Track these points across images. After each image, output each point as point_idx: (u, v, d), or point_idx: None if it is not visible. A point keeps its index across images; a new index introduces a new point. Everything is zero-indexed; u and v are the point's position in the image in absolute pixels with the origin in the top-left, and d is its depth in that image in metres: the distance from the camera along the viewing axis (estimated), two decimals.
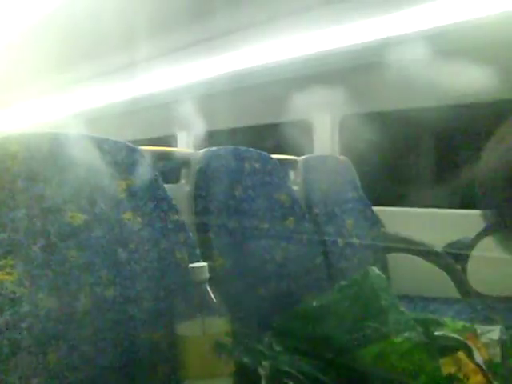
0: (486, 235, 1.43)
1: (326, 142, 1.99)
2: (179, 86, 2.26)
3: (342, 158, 1.86)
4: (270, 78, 1.94)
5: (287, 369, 0.71)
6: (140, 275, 0.80)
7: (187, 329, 0.70)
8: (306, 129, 2.01)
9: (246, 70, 1.97)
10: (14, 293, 0.64)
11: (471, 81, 1.26)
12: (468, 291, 1.49)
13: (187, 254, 0.89)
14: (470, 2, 1.38)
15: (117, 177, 0.84)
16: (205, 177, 1.10)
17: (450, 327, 0.80)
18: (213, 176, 1.12)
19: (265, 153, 1.31)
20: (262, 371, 0.71)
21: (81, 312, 0.71)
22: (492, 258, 1.35)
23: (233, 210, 1.13)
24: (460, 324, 0.82)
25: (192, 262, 0.75)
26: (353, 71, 1.74)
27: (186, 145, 2.61)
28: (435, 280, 1.55)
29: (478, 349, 0.74)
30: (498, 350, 0.80)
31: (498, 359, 0.78)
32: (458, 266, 1.52)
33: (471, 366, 0.69)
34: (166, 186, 0.93)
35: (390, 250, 1.69)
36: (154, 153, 1.02)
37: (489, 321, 1.14)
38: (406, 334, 0.70)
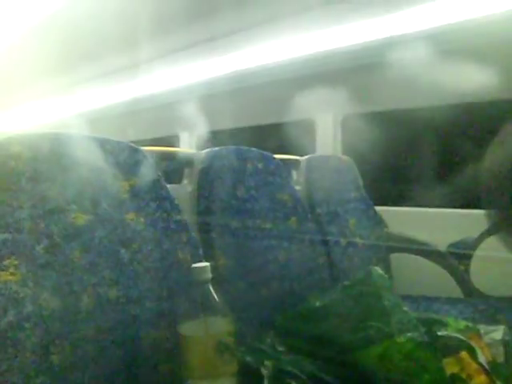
0: (489, 235, 1.43)
1: (328, 141, 1.99)
2: (181, 86, 2.27)
3: (344, 157, 1.86)
4: (272, 78, 1.95)
5: (290, 368, 0.71)
6: (143, 275, 0.81)
7: (190, 329, 0.70)
8: (309, 129, 2.01)
9: (248, 70, 1.97)
10: (17, 293, 0.64)
11: (473, 80, 1.26)
12: (471, 291, 1.49)
13: (190, 254, 0.89)
14: (470, 0, 1.38)
15: (120, 177, 0.84)
16: (207, 177, 1.10)
17: (452, 327, 0.80)
18: (215, 176, 1.12)
19: (267, 153, 1.31)
20: (264, 371, 0.71)
21: (84, 312, 0.71)
22: (495, 258, 1.35)
23: (235, 210, 1.13)
24: (463, 324, 0.82)
25: (195, 262, 0.75)
26: (354, 71, 1.74)
27: (188, 145, 2.62)
28: (438, 280, 1.55)
29: (481, 349, 0.74)
30: (501, 350, 0.80)
31: (501, 359, 0.78)
32: (461, 266, 1.52)
33: (474, 365, 0.69)
34: (168, 186, 0.93)
35: (392, 249, 1.69)
36: (156, 153, 1.02)
37: (492, 321, 1.14)
38: (409, 334, 0.70)
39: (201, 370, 0.68)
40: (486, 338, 0.82)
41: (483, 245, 1.46)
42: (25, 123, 3.40)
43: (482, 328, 0.84)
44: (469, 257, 1.51)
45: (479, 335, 0.81)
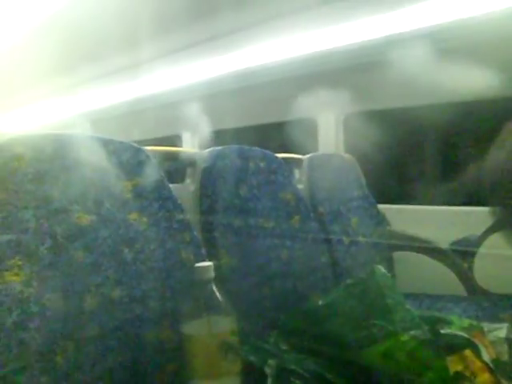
0: (493, 232, 1.43)
1: (330, 140, 1.99)
2: (183, 85, 2.27)
3: (346, 156, 1.86)
4: (273, 77, 1.94)
5: (293, 367, 0.71)
6: (146, 275, 0.81)
7: (193, 328, 0.70)
8: (311, 128, 2.01)
9: (250, 70, 1.97)
10: (21, 293, 0.65)
11: (474, 78, 1.26)
12: (474, 289, 1.49)
13: (193, 254, 0.89)
14: None
15: (122, 177, 0.84)
16: (210, 176, 1.10)
17: (456, 325, 0.80)
18: (218, 175, 1.12)
19: (269, 152, 1.31)
20: (268, 370, 0.71)
21: (88, 312, 0.71)
22: (499, 255, 1.34)
23: (238, 210, 1.13)
24: (467, 322, 0.82)
25: (197, 262, 0.75)
26: (356, 69, 1.74)
27: (190, 144, 2.62)
28: (441, 278, 1.55)
29: (485, 347, 0.74)
30: (505, 348, 0.80)
31: (505, 357, 0.78)
32: (465, 264, 1.52)
33: (478, 364, 0.69)
34: (171, 185, 0.93)
35: (395, 248, 1.69)
36: (159, 153, 1.02)
37: (496, 319, 1.14)
38: (413, 332, 0.70)
39: (204, 370, 0.68)
40: (490, 336, 0.81)
41: (487, 242, 1.46)
42: (27, 124, 3.41)
43: (486, 326, 0.84)
44: (472, 254, 1.51)
45: (483, 333, 0.80)
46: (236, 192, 1.14)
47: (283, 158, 1.36)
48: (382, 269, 0.85)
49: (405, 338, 0.69)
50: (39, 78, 2.35)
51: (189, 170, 1.21)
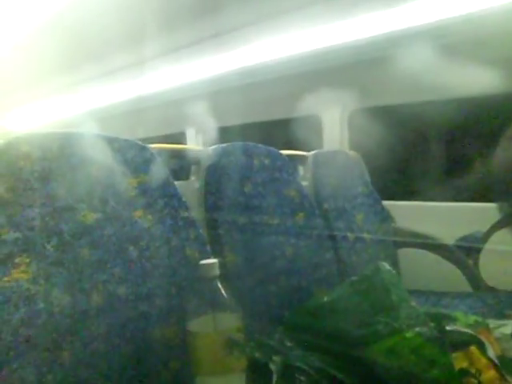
0: (500, 228, 1.42)
1: (335, 137, 1.98)
2: (188, 83, 2.27)
3: (351, 152, 1.85)
4: (278, 74, 1.94)
5: (298, 364, 0.71)
6: (151, 272, 0.81)
7: (198, 325, 0.70)
8: (315, 124, 2.00)
9: (254, 67, 1.97)
10: (28, 290, 0.65)
11: (480, 73, 1.25)
12: (480, 285, 1.49)
13: (197, 251, 0.90)
14: None
15: (128, 175, 0.84)
16: (214, 173, 1.10)
17: (462, 322, 0.80)
18: (222, 172, 1.12)
19: (274, 149, 1.31)
20: (273, 366, 0.71)
21: (94, 309, 0.72)
22: (505, 252, 1.34)
23: (243, 207, 1.13)
24: (472, 318, 0.82)
25: (202, 259, 0.75)
26: (361, 66, 1.73)
27: (195, 142, 2.62)
28: (447, 274, 1.54)
29: (491, 343, 0.74)
30: (510, 345, 0.79)
31: (510, 354, 0.77)
32: (470, 261, 1.51)
33: (484, 360, 0.69)
34: (176, 183, 0.94)
35: (400, 244, 1.68)
36: (163, 150, 1.03)
37: (501, 315, 1.14)
38: (418, 329, 0.70)
39: (210, 366, 0.69)
40: (496, 333, 0.81)
41: (493, 238, 1.45)
42: (33, 123, 3.42)
43: (492, 322, 0.84)
44: (478, 251, 1.50)
45: (489, 330, 0.80)
46: (241, 189, 1.14)
47: (288, 155, 1.36)
48: (386, 265, 0.85)
49: (410, 334, 0.69)
50: (43, 77, 2.36)
51: (193, 168, 1.22)
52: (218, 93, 2.09)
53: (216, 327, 0.70)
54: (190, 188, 1.13)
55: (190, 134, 2.69)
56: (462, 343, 0.72)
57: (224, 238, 1.05)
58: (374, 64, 1.66)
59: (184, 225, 0.90)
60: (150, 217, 0.85)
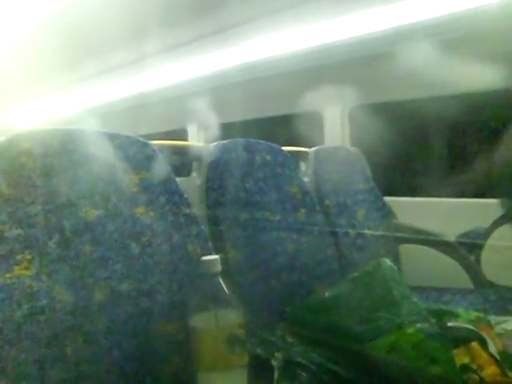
0: (502, 224, 1.42)
1: (336, 133, 1.98)
2: (189, 79, 2.26)
3: (352, 148, 1.85)
4: (279, 70, 1.94)
5: (300, 360, 0.72)
6: (153, 269, 0.81)
7: (200, 321, 0.70)
8: (317, 120, 2.00)
9: (255, 63, 1.96)
10: (31, 287, 0.66)
11: (481, 69, 1.25)
12: (482, 281, 1.49)
13: (199, 247, 0.90)
14: None
15: (129, 171, 0.84)
16: (216, 170, 1.10)
17: (463, 318, 0.80)
18: (224, 169, 1.12)
19: (275, 145, 1.31)
20: (274, 362, 0.72)
21: (96, 305, 0.72)
22: (506, 248, 1.34)
23: (244, 203, 1.13)
24: (474, 314, 0.82)
25: (204, 255, 0.75)
26: (361, 62, 1.73)
27: (196, 138, 2.62)
28: (448, 271, 1.54)
29: (492, 339, 0.74)
30: None
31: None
32: (472, 257, 1.51)
33: (485, 356, 0.69)
34: (177, 179, 0.93)
35: (401, 240, 1.68)
36: (165, 147, 1.02)
37: (503, 311, 1.14)
38: (419, 325, 0.70)
39: (211, 362, 0.69)
40: (497, 329, 0.81)
41: (494, 234, 1.45)
42: (34, 120, 3.42)
43: (493, 318, 0.84)
44: (479, 247, 1.50)
45: (490, 326, 0.80)
46: (242, 185, 1.14)
47: (289, 151, 1.36)
48: (388, 261, 0.85)
49: (411, 330, 0.69)
50: (44, 74, 2.36)
51: (195, 164, 1.22)
52: (219, 89, 2.09)
53: (218, 323, 0.70)
54: (191, 184, 1.13)
55: (192, 130, 2.68)
56: (463, 339, 0.72)
57: (226, 234, 1.05)
58: (375, 60, 1.65)
59: (186, 221, 0.90)
60: (151, 213, 0.85)
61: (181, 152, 1.22)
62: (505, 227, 1.41)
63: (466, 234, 1.57)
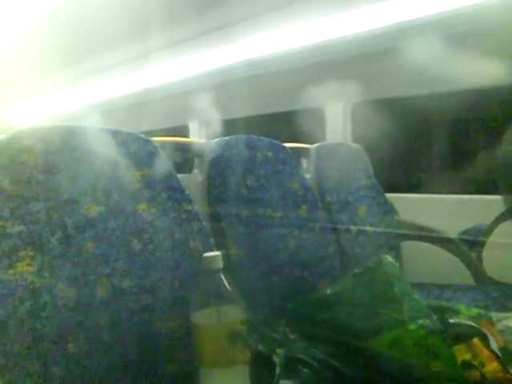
0: (504, 220, 1.41)
1: (338, 129, 1.98)
2: (191, 75, 2.26)
3: (354, 145, 1.85)
4: (281, 67, 1.93)
5: (302, 356, 0.72)
6: (155, 265, 0.82)
7: (202, 318, 0.70)
8: (319, 117, 1.99)
9: (257, 59, 1.96)
10: (33, 283, 0.66)
11: (484, 65, 1.24)
12: (483, 278, 1.48)
13: (201, 244, 0.90)
14: None
15: (131, 168, 0.85)
16: (218, 166, 1.10)
17: (464, 314, 0.80)
18: (225, 165, 1.12)
19: (277, 141, 1.31)
20: (276, 359, 0.72)
21: (98, 302, 0.72)
22: (508, 245, 1.33)
23: (246, 199, 1.13)
24: (475, 311, 0.82)
25: (206, 251, 0.76)
26: (364, 58, 1.72)
27: (198, 135, 2.62)
28: (450, 267, 1.54)
29: (494, 336, 0.74)
30: None
31: None
32: (473, 253, 1.51)
33: (486, 353, 0.69)
34: (179, 175, 0.94)
35: (403, 237, 1.68)
36: (167, 143, 1.02)
37: (504, 308, 1.14)
38: (421, 322, 0.70)
39: (213, 359, 0.69)
40: (499, 325, 0.81)
41: (496, 231, 1.45)
42: (36, 116, 3.42)
43: (495, 315, 0.84)
44: (481, 243, 1.50)
45: (491, 322, 0.80)
46: (244, 182, 1.14)
47: (291, 148, 1.36)
48: (389, 258, 0.85)
49: (413, 327, 0.69)
50: (47, 70, 2.35)
51: (196, 161, 1.21)
52: (221, 86, 2.09)
53: (219, 320, 0.70)
54: (193, 181, 1.13)
55: (193, 127, 2.68)
56: (464, 335, 0.72)
57: (227, 231, 1.05)
58: (378, 56, 1.65)
59: (187, 218, 0.90)
60: (153, 210, 0.85)
61: (182, 149, 1.22)
62: (507, 224, 1.41)
63: (467, 231, 1.56)
